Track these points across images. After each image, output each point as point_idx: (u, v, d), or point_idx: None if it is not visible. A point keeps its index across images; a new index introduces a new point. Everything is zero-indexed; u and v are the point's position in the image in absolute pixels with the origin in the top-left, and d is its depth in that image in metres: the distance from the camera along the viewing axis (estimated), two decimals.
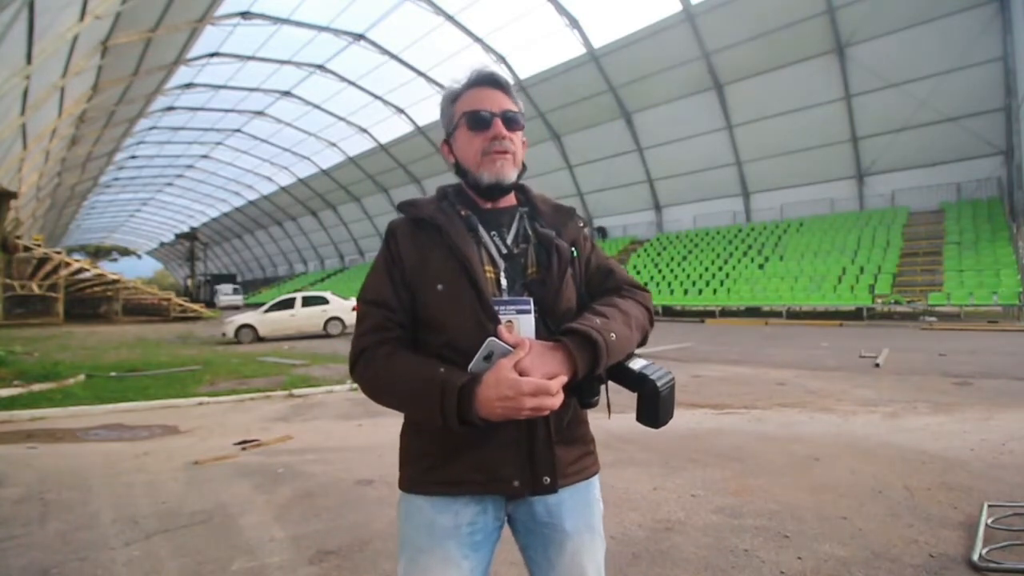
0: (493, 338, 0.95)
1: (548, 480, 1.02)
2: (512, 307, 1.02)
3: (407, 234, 1.11)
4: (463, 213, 1.11)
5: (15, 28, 11.58)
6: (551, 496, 1.05)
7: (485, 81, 1.12)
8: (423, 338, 1.07)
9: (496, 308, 1.01)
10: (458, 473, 1.03)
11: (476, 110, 1.10)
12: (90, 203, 54.92)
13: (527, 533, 1.09)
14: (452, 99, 1.15)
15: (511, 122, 1.11)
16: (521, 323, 1.02)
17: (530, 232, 1.13)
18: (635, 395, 1.05)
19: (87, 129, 27.82)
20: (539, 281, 1.07)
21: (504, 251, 1.09)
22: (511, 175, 1.10)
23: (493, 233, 1.10)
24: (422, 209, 1.12)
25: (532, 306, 1.03)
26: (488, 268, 1.06)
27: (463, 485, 1.03)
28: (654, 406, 1.02)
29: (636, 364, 1.04)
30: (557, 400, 0.92)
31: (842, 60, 19.06)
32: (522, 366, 0.92)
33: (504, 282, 1.06)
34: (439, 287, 1.04)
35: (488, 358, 0.94)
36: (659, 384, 1.01)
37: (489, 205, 1.14)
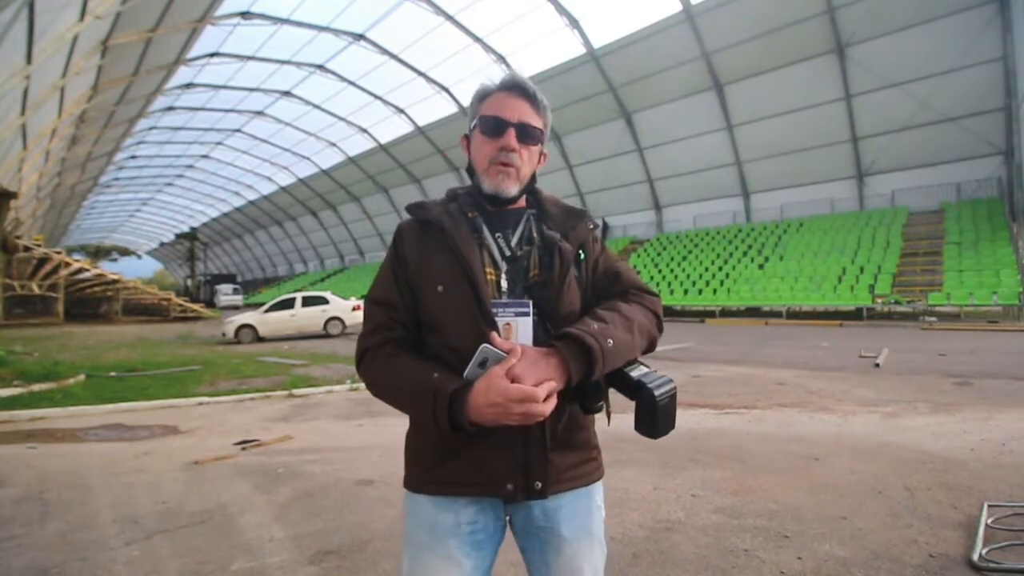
0: (486, 345, 0.94)
1: (539, 485, 1.02)
2: (511, 310, 1.02)
3: (413, 236, 1.12)
4: (469, 215, 1.12)
5: (15, 28, 11.59)
6: (549, 500, 1.04)
7: (513, 87, 1.11)
8: (425, 338, 1.09)
9: (494, 311, 1.01)
10: (456, 474, 1.04)
11: (493, 116, 1.09)
12: (90, 203, 54.93)
13: (525, 535, 1.09)
14: (480, 97, 1.14)
15: (526, 135, 1.09)
16: (519, 326, 1.01)
17: (535, 234, 1.12)
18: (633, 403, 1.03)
19: (87, 129, 27.84)
20: (540, 284, 1.06)
21: (507, 253, 1.09)
22: (511, 190, 1.10)
23: (498, 235, 1.10)
24: (428, 211, 1.12)
25: (531, 309, 1.03)
26: (490, 270, 1.06)
27: (461, 486, 1.04)
28: (651, 416, 0.98)
29: (636, 371, 1.02)
30: (546, 407, 0.92)
31: (842, 60, 19.06)
32: (514, 373, 0.92)
33: (505, 284, 1.06)
34: (439, 288, 1.04)
35: (483, 364, 0.94)
36: (657, 393, 0.98)
37: (495, 208, 1.14)
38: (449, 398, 0.93)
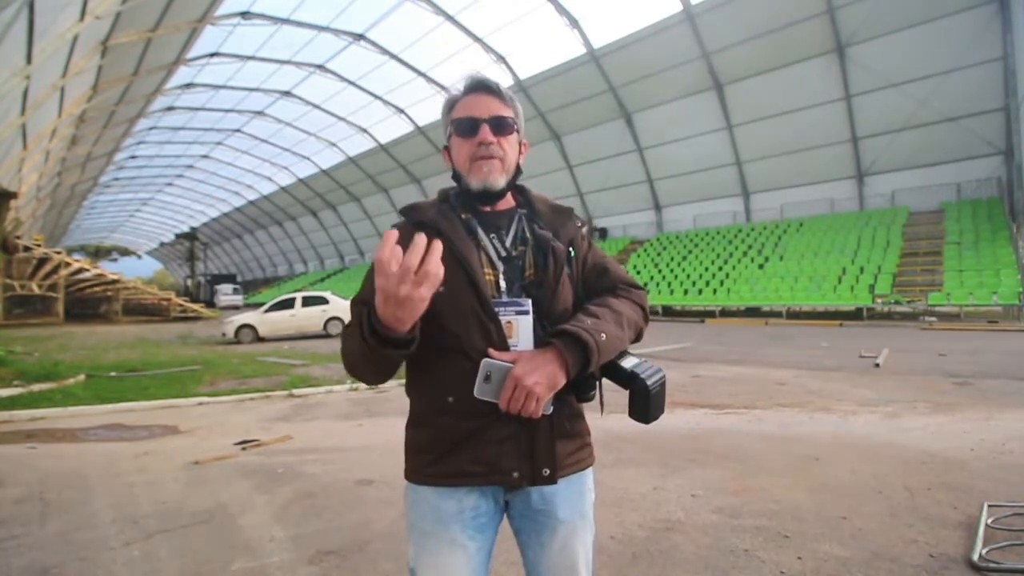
0: (487, 359, 0.99)
1: (548, 472, 1.07)
2: (511, 308, 1.06)
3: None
4: (463, 216, 1.14)
5: (15, 28, 11.58)
6: (547, 486, 1.09)
7: (476, 87, 1.15)
8: (426, 333, 1.08)
9: (496, 309, 1.05)
10: (458, 466, 1.07)
11: (464, 117, 1.13)
12: (90, 203, 54.88)
13: (521, 518, 1.14)
14: (450, 106, 1.17)
15: (500, 127, 1.12)
16: (520, 324, 1.06)
17: (528, 234, 1.15)
18: (627, 393, 1.10)
19: (87, 129, 27.82)
20: (536, 283, 1.10)
21: (503, 253, 1.12)
22: (499, 181, 1.12)
23: (492, 236, 1.13)
24: (423, 213, 1.15)
25: (530, 307, 1.07)
26: (488, 270, 1.10)
27: (464, 477, 1.07)
28: (644, 403, 1.07)
29: (628, 362, 1.09)
30: (535, 403, 0.96)
31: (842, 60, 19.05)
32: (516, 374, 0.97)
33: (503, 284, 1.10)
34: (440, 289, 1.04)
35: (487, 379, 0.98)
36: (649, 382, 1.06)
37: (488, 208, 1.16)
38: (368, 310, 0.95)
